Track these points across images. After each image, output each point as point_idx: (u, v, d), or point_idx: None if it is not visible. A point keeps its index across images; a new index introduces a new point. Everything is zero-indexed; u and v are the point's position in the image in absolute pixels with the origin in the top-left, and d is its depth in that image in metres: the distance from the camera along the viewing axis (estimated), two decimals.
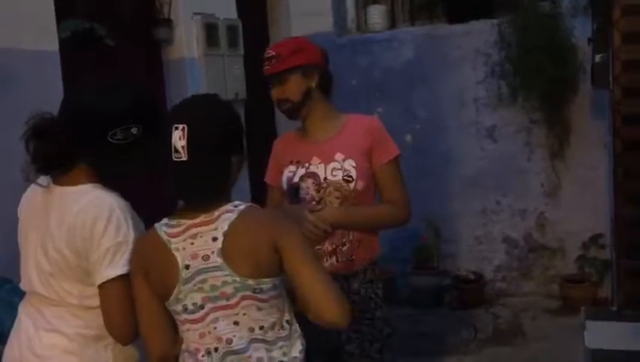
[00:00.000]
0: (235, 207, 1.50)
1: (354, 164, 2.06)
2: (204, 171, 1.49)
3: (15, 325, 1.70)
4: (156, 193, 1.66)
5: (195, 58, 3.85)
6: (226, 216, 1.48)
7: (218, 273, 1.47)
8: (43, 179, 1.64)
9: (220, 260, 1.46)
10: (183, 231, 1.50)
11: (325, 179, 2.07)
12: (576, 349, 3.13)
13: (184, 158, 1.47)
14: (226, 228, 1.47)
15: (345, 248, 2.09)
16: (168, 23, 3.75)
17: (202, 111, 1.54)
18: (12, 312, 2.02)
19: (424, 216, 4.31)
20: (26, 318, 1.67)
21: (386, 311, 2.18)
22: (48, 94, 2.93)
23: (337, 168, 2.07)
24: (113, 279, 1.54)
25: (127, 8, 3.64)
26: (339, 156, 2.08)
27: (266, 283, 1.48)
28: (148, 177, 1.79)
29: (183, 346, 1.57)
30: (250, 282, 1.46)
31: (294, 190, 2.12)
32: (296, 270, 1.49)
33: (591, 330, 2.99)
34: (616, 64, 3.21)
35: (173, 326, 1.57)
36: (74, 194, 1.59)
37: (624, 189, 3.24)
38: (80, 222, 1.54)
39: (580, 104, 4.31)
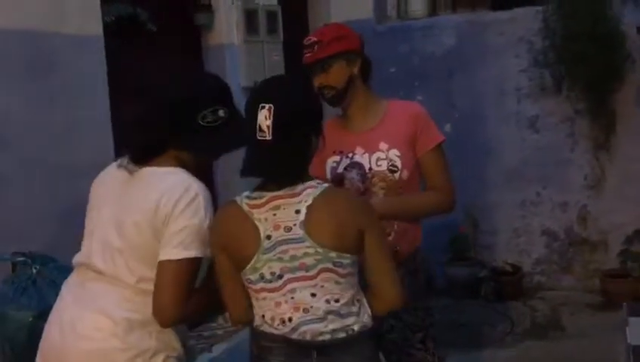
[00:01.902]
0: (319, 184, 1.57)
1: (398, 154, 2.04)
2: (287, 151, 1.53)
3: (57, 303, 1.71)
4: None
5: (234, 44, 3.87)
6: (310, 191, 1.54)
7: (300, 244, 1.52)
8: (124, 161, 1.69)
9: (302, 232, 1.52)
10: (265, 203, 1.55)
11: (370, 169, 2.06)
12: (618, 345, 3.05)
13: (268, 138, 1.51)
14: (310, 201, 1.52)
15: (390, 238, 2.06)
16: (209, 8, 3.77)
17: (287, 91, 1.58)
18: (55, 290, 2.07)
19: (462, 207, 4.24)
20: (70, 297, 1.68)
21: (427, 300, 2.17)
22: (92, 79, 3.00)
23: (382, 158, 2.05)
24: (178, 260, 1.56)
25: None
26: (383, 145, 2.06)
27: (347, 258, 1.54)
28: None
29: (258, 314, 1.61)
30: (333, 254, 1.52)
31: (339, 181, 2.10)
32: (373, 253, 1.58)
33: (633, 326, 2.90)
34: None
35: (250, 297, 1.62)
36: (163, 173, 1.63)
37: None
38: (165, 198, 1.57)
39: (627, 94, 4.17)
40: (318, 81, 2.06)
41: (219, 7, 3.81)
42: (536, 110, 4.47)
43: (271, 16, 4.04)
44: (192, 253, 1.57)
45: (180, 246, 1.56)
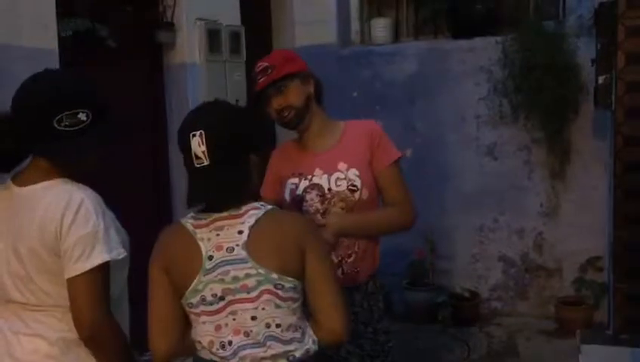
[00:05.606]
0: (262, 206, 1.56)
1: (357, 173, 2.04)
2: (228, 173, 1.52)
3: None
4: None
5: (196, 63, 3.82)
6: (254, 212, 1.53)
7: (242, 265, 1.49)
8: (7, 181, 1.60)
9: (244, 253, 1.49)
10: (209, 224, 1.53)
11: (329, 189, 2.04)
12: None
13: (206, 163, 1.50)
14: (252, 222, 1.51)
15: (350, 259, 2.05)
16: (171, 27, 3.73)
17: (216, 114, 1.58)
18: None
19: (421, 231, 4.27)
20: (3, 323, 1.63)
21: (386, 323, 2.15)
22: None
23: (341, 178, 2.04)
24: (83, 273, 1.50)
25: (130, 10, 3.62)
26: (342, 166, 2.05)
27: (289, 281, 1.51)
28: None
29: (197, 340, 1.56)
30: (274, 276, 1.49)
31: (298, 202, 2.08)
32: (314, 275, 1.54)
33: (586, 354, 2.94)
34: (619, 85, 3.19)
35: (182, 329, 1.58)
36: (41, 190, 1.56)
37: (624, 211, 3.21)
38: (50, 216, 1.51)
39: (581, 124, 4.29)
40: (276, 103, 2.05)
41: (181, 26, 3.78)
42: (494, 137, 4.55)
43: (234, 36, 4.03)
44: (95, 262, 1.50)
45: (80, 260, 1.50)
